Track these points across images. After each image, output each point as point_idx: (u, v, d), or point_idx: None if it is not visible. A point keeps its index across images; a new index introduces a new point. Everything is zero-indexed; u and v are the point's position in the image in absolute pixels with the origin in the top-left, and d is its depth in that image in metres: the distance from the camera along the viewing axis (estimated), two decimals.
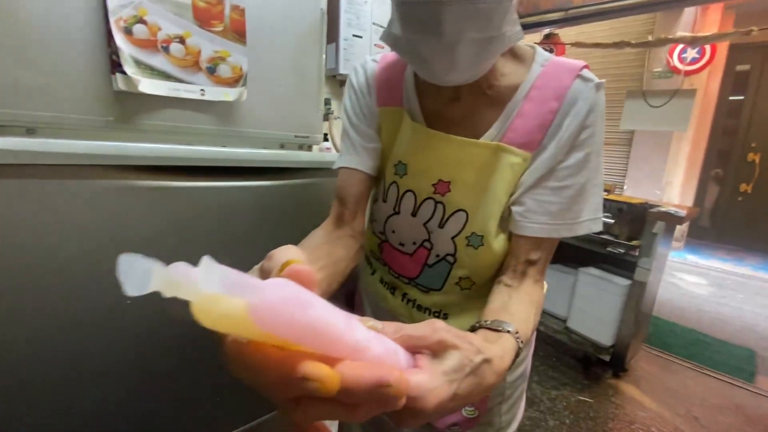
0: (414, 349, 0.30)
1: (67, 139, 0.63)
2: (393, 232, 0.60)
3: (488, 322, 0.41)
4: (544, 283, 0.57)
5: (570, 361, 2.12)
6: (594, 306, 1.98)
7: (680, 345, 2.35)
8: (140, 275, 0.19)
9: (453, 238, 0.54)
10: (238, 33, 0.75)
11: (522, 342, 0.40)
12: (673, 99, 2.30)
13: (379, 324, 0.29)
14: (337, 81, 1.74)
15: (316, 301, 0.22)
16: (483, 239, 0.52)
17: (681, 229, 4.48)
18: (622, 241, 1.85)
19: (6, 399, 0.47)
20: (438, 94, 0.53)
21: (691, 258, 4.23)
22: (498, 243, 0.52)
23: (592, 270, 1.99)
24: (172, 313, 0.20)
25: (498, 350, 0.35)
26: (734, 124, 4.59)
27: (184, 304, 0.19)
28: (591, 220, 0.50)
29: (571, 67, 0.49)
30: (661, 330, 2.54)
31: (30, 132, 0.62)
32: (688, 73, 3.67)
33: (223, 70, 0.74)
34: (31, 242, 0.46)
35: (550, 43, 2.86)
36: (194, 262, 0.20)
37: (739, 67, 4.48)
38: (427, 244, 0.57)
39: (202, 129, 0.76)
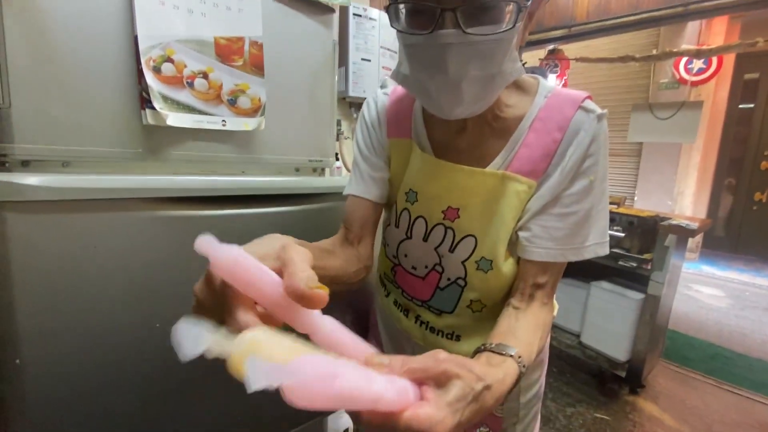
0: (419, 381, 0.31)
1: (99, 171, 0.68)
2: (405, 256, 0.62)
3: (493, 345, 0.42)
4: (555, 303, 0.59)
5: (585, 377, 2.08)
6: (607, 320, 1.95)
7: (699, 359, 2.30)
8: (193, 340, 0.24)
9: (463, 262, 0.56)
10: (256, 66, 0.80)
11: (524, 366, 0.41)
12: (680, 111, 2.30)
13: (386, 359, 0.31)
14: (346, 103, 1.80)
15: (341, 368, 0.25)
16: (492, 263, 0.54)
17: (695, 240, 4.40)
18: (634, 255, 1.84)
19: (45, 409, 0.50)
20: (446, 125, 0.56)
21: (707, 269, 4.14)
22: (507, 267, 0.54)
23: (604, 284, 1.98)
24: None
25: (499, 374, 0.37)
26: (745, 132, 4.54)
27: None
28: (597, 244, 0.52)
29: (574, 99, 0.51)
30: (679, 344, 2.49)
31: (65, 165, 0.67)
32: (695, 84, 3.68)
33: (243, 102, 0.79)
34: (71, 270, 0.50)
35: (555, 58, 2.90)
36: None
37: (748, 76, 4.46)
38: (438, 267, 0.59)
39: (223, 157, 0.80)
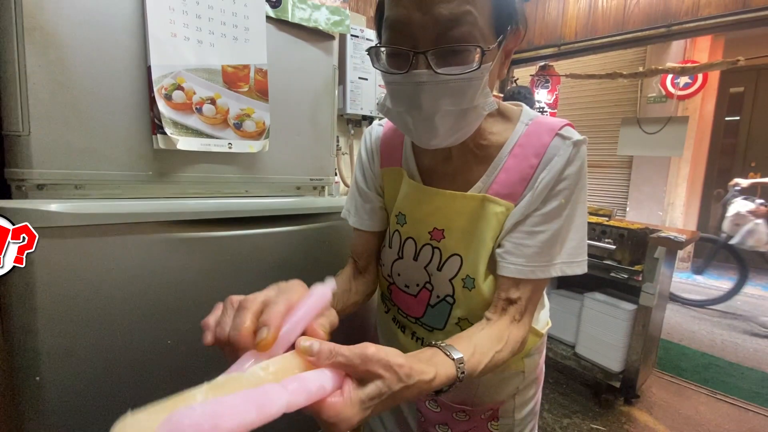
0: (345, 372, 0.35)
1: (109, 193, 0.71)
2: (398, 275, 0.66)
3: (442, 344, 0.45)
4: (544, 320, 0.62)
5: (580, 387, 2.11)
6: (601, 331, 1.99)
7: (693, 369, 2.33)
8: None
9: (450, 280, 0.59)
10: (261, 92, 0.84)
11: (464, 372, 0.43)
12: (666, 125, 2.38)
13: (316, 345, 0.35)
14: (344, 120, 1.85)
15: (220, 418, 0.26)
16: (474, 281, 0.57)
17: (687, 249, 4.47)
18: (625, 267, 1.88)
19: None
20: (433, 154, 0.61)
21: (700, 279, 4.20)
22: (487, 285, 0.56)
23: (598, 295, 2.01)
24: None
25: (429, 373, 0.39)
26: (732, 144, 4.67)
27: None
28: (565, 263, 0.54)
29: (552, 126, 0.55)
30: (672, 354, 2.52)
31: (77, 187, 0.70)
32: (681, 98, 3.79)
33: (248, 125, 0.82)
34: (90, 291, 0.52)
35: (546, 74, 2.99)
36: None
37: (733, 89, 4.61)
38: (428, 285, 0.62)
39: (229, 178, 0.84)
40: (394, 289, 0.68)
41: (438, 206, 0.59)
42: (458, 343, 0.46)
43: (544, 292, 0.66)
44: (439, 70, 0.45)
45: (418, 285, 0.63)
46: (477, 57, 0.45)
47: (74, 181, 0.68)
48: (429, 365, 0.41)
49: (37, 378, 0.49)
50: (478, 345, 0.48)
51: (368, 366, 0.35)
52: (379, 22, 0.52)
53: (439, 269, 0.60)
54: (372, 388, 0.35)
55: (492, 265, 0.57)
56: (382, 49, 0.49)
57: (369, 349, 0.36)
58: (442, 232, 0.59)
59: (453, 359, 0.43)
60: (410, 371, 0.37)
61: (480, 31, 0.44)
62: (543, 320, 0.68)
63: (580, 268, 0.55)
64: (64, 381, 0.50)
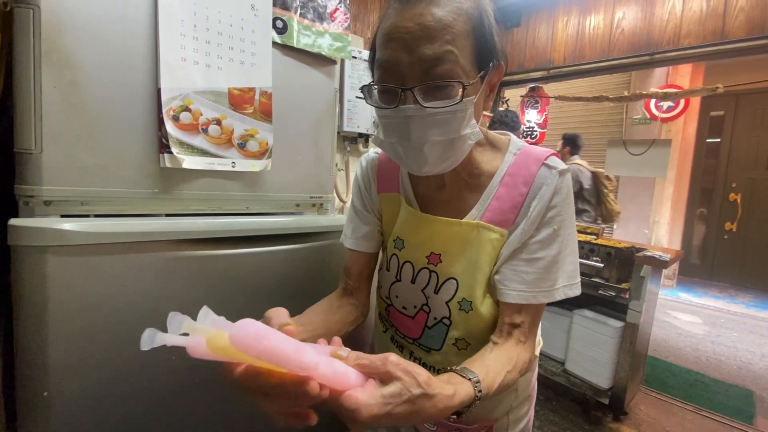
0: (368, 375, 0.39)
1: (114, 209, 0.73)
2: (396, 297, 0.69)
3: (457, 368, 0.48)
4: (539, 339, 0.64)
5: (570, 404, 2.12)
6: (590, 348, 2.02)
7: (679, 386, 2.37)
8: (177, 324, 0.33)
9: (447, 302, 0.61)
10: (265, 113, 0.87)
11: (481, 391, 0.45)
12: (651, 147, 2.48)
13: (344, 352, 0.40)
14: (341, 137, 1.89)
15: (272, 335, 0.33)
16: (471, 304, 0.59)
17: (672, 267, 4.58)
18: (613, 284, 1.93)
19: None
20: (428, 182, 0.64)
21: (684, 296, 4.29)
22: (485, 308, 0.59)
23: (586, 312, 2.05)
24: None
25: (449, 390, 0.42)
26: (713, 165, 4.84)
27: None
28: (566, 286, 0.57)
29: (538, 156, 0.59)
30: (659, 371, 2.56)
31: (83, 203, 0.71)
32: (665, 120, 3.94)
33: (252, 145, 0.85)
34: (100, 308, 0.54)
35: (536, 95, 3.09)
36: (229, 318, 0.36)
37: (713, 113, 4.80)
38: (425, 308, 0.65)
39: (231, 195, 0.86)
40: (392, 310, 0.70)
41: (435, 232, 0.62)
42: (471, 366, 0.49)
43: None
44: (425, 104, 0.49)
45: (415, 307, 0.66)
46: (459, 91, 0.48)
47: (81, 198, 0.70)
48: (448, 384, 0.43)
49: (45, 393, 0.50)
50: (490, 366, 0.50)
51: (389, 367, 0.38)
52: (371, 62, 0.57)
53: (436, 292, 0.62)
54: (392, 387, 0.38)
55: (489, 288, 0.59)
56: (374, 86, 0.53)
57: (391, 356, 0.39)
58: (439, 256, 0.62)
59: (469, 379, 0.46)
60: (429, 380, 0.40)
61: (462, 68, 0.48)
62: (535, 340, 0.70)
63: (578, 289, 0.59)
64: (71, 397, 0.51)
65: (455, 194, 0.62)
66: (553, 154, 0.59)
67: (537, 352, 0.69)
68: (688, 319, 3.60)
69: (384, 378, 0.39)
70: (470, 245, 0.59)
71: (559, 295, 0.56)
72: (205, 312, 0.34)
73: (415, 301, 0.65)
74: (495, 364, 0.51)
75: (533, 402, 0.74)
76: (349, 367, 0.38)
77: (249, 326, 0.32)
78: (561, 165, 0.58)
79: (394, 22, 0.49)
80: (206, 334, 0.33)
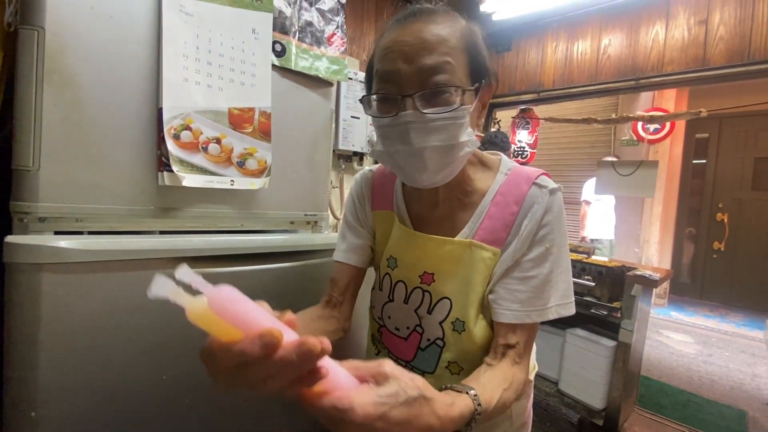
0: (362, 377, 0.36)
1: (109, 226, 0.73)
2: (389, 317, 0.68)
3: (452, 385, 0.46)
4: (534, 364, 0.64)
5: (565, 425, 2.10)
6: (583, 368, 2.01)
7: (672, 406, 2.36)
8: (161, 287, 0.31)
9: (441, 323, 0.61)
10: (264, 133, 0.88)
11: (480, 405, 0.44)
12: (639, 168, 2.54)
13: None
14: (336, 156, 1.92)
15: (248, 303, 0.33)
16: (464, 324, 0.59)
17: (663, 286, 4.61)
18: (605, 303, 1.94)
19: None
20: (421, 200, 0.65)
21: (676, 315, 4.31)
22: (478, 329, 0.58)
23: (579, 331, 2.06)
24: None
25: (447, 399, 0.40)
26: (700, 185, 4.95)
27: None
28: (559, 305, 0.57)
29: (529, 176, 0.59)
30: (652, 391, 2.55)
31: (78, 220, 0.71)
32: (651, 141, 4.04)
33: (251, 164, 0.86)
34: (93, 327, 0.54)
35: (526, 116, 3.17)
36: None
37: (699, 135, 4.95)
38: (419, 328, 0.64)
39: (227, 213, 0.86)
40: (385, 331, 0.69)
41: (428, 251, 0.62)
42: (467, 383, 0.48)
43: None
44: (424, 111, 0.50)
45: (408, 328, 0.65)
46: (458, 99, 0.50)
47: (76, 215, 0.70)
48: (446, 395, 0.42)
49: (33, 414, 0.49)
50: (485, 384, 0.49)
51: (385, 368, 0.36)
52: (368, 76, 0.59)
53: (429, 312, 0.62)
54: (388, 386, 0.35)
55: (483, 309, 0.59)
56: (373, 96, 0.55)
57: (387, 362, 0.37)
58: (432, 275, 0.62)
59: (467, 392, 0.45)
60: (426, 386, 0.38)
61: (458, 78, 0.51)
62: (530, 364, 0.68)
63: (572, 308, 0.59)
64: (59, 418, 0.50)
65: (448, 212, 0.62)
66: (543, 174, 0.60)
67: (531, 377, 0.69)
68: (680, 338, 3.62)
69: (379, 379, 0.36)
70: (463, 264, 0.59)
71: (552, 314, 0.56)
72: (185, 270, 0.32)
73: (408, 322, 0.65)
74: (490, 382, 0.51)
75: (528, 430, 0.73)
76: (338, 365, 0.35)
77: (226, 291, 0.32)
78: (551, 184, 0.58)
79: (393, 38, 0.51)
80: (188, 301, 0.32)
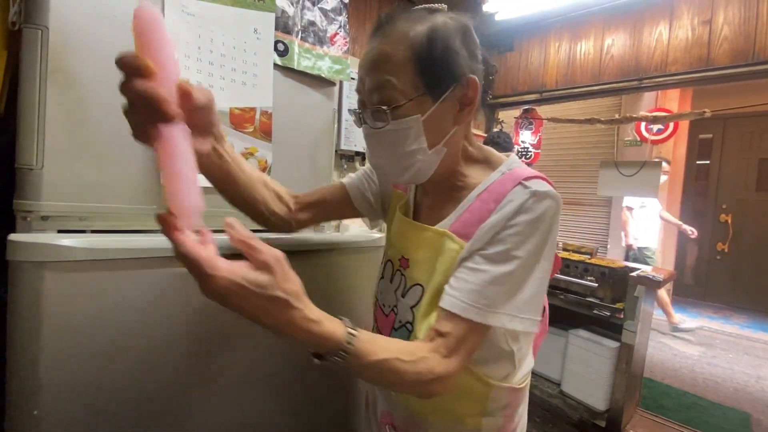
0: (247, 255, 0.40)
1: (113, 224, 0.73)
2: (380, 293, 0.71)
3: (342, 317, 0.48)
4: (518, 378, 0.59)
5: (567, 427, 2.09)
6: (586, 369, 2.00)
7: (676, 408, 2.35)
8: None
9: (412, 308, 0.61)
10: (265, 132, 0.88)
11: (351, 343, 0.44)
12: (642, 169, 2.53)
13: (237, 224, 0.42)
14: (338, 155, 1.92)
15: (163, 36, 0.37)
16: (430, 314, 0.57)
17: (666, 287, 4.59)
18: (607, 304, 1.93)
19: None
20: (421, 189, 0.69)
21: (679, 316, 4.28)
22: (430, 318, 0.56)
23: (582, 332, 2.05)
24: None
25: (313, 316, 0.43)
26: (703, 186, 4.93)
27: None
28: (511, 316, 0.51)
29: (518, 176, 0.56)
30: (655, 393, 2.54)
31: (81, 219, 0.71)
32: (655, 142, 4.02)
33: (251, 163, 0.86)
34: (95, 326, 0.54)
35: (529, 116, 3.16)
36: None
37: (702, 136, 4.92)
38: (395, 309, 0.65)
39: (230, 212, 0.86)
40: (377, 306, 0.72)
41: (408, 236, 0.64)
42: (365, 332, 0.48)
43: (530, 349, 0.65)
44: (374, 125, 0.56)
45: (389, 306, 0.67)
46: (402, 112, 0.53)
47: (80, 214, 0.70)
48: (319, 312, 0.44)
49: (35, 412, 0.49)
50: (380, 339, 0.49)
51: (267, 258, 0.40)
52: None
53: (404, 296, 0.63)
54: (261, 276, 0.39)
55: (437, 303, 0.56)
56: (353, 109, 0.61)
57: (282, 255, 0.41)
58: (408, 261, 0.64)
59: (344, 324, 0.46)
60: (298, 295, 0.41)
61: (401, 93, 0.53)
62: (514, 378, 0.62)
63: (525, 325, 0.52)
64: (62, 417, 0.50)
65: (436, 202, 0.64)
66: (538, 177, 0.56)
67: (520, 386, 0.63)
68: (684, 339, 3.59)
69: (258, 266, 0.39)
70: (434, 253, 0.59)
71: (497, 321, 0.51)
72: None
73: (390, 301, 0.67)
74: (388, 342, 0.50)
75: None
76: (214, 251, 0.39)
77: (149, 14, 0.35)
78: (541, 188, 0.53)
79: (363, 53, 0.57)
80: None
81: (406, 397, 0.64)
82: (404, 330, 0.63)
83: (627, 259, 3.68)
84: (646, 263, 3.46)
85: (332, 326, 0.45)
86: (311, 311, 0.43)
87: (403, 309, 0.63)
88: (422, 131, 0.55)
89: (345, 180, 0.78)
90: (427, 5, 0.56)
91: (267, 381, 0.72)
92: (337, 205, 0.77)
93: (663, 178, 3.48)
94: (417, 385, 0.49)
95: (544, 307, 0.66)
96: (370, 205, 0.77)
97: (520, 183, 0.55)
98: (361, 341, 0.45)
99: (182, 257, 0.38)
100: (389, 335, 0.66)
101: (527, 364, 0.65)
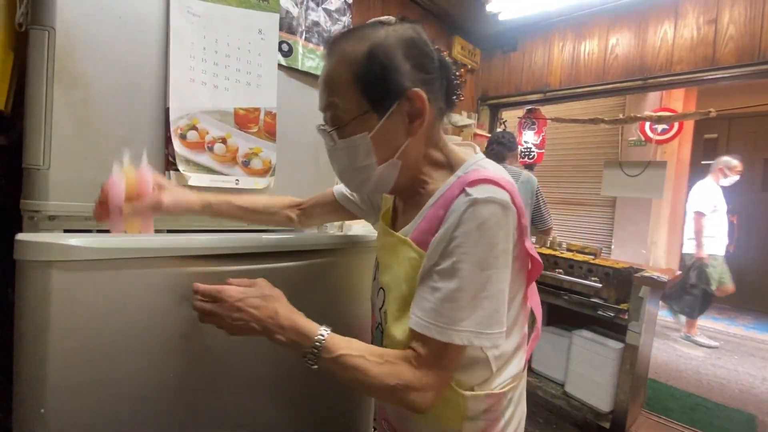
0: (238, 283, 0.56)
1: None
2: (372, 294, 0.72)
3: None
4: (433, 378, 0.53)
5: (570, 428, 2.08)
6: (590, 369, 1.99)
7: (680, 410, 2.33)
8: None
9: (380, 309, 0.63)
10: (269, 133, 0.89)
11: (324, 337, 0.52)
12: (647, 169, 2.52)
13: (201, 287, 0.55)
14: None
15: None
16: (386, 317, 0.60)
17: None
18: (612, 305, 1.92)
19: None
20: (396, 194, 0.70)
21: (683, 318, 4.26)
22: (397, 328, 0.57)
23: (585, 333, 2.04)
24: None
25: (295, 313, 0.55)
26: None
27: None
28: (473, 333, 0.49)
29: (466, 180, 0.53)
30: (660, 394, 2.52)
31: (87, 219, 0.72)
32: (659, 142, 4.00)
33: (256, 163, 0.87)
34: (102, 325, 0.54)
35: (533, 116, 3.15)
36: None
37: (707, 136, 4.89)
38: (375, 311, 0.67)
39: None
40: (372, 305, 0.72)
41: (381, 240, 0.67)
42: (338, 335, 0.54)
43: (518, 353, 0.62)
44: (328, 143, 0.59)
45: (375, 308, 0.68)
46: (348, 130, 0.55)
47: (86, 213, 0.71)
48: (296, 312, 0.55)
49: (42, 411, 0.49)
50: (354, 342, 0.54)
51: (256, 281, 0.56)
52: None
53: (377, 297, 0.66)
54: (250, 288, 0.54)
55: (407, 309, 0.56)
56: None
57: (260, 280, 0.58)
58: (378, 265, 0.66)
59: (319, 325, 0.54)
60: (282, 295, 0.57)
61: (346, 113, 0.55)
62: (501, 380, 0.60)
63: (492, 341, 0.51)
64: (69, 415, 0.51)
65: (407, 208, 0.64)
66: (485, 180, 0.52)
67: (505, 390, 0.60)
68: (688, 341, 3.57)
69: (247, 284, 0.55)
70: (396, 259, 0.60)
71: (463, 340, 0.49)
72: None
73: (375, 303, 0.69)
74: (359, 344, 0.54)
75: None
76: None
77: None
78: (480, 194, 0.50)
79: None
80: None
81: None
82: (378, 331, 0.65)
83: (688, 274, 3.35)
84: (709, 279, 3.20)
85: (308, 324, 0.54)
86: (293, 309, 0.54)
87: (378, 311, 0.65)
88: (371, 147, 0.55)
89: (335, 187, 0.81)
90: (378, 18, 0.57)
91: (274, 383, 0.72)
92: (330, 209, 0.81)
93: (734, 178, 3.35)
94: (385, 389, 0.51)
95: (533, 313, 0.64)
96: (358, 207, 0.79)
97: (464, 189, 0.52)
98: (333, 337, 0.53)
99: (201, 312, 0.54)
100: (372, 336, 0.69)
101: (512, 367, 0.62)
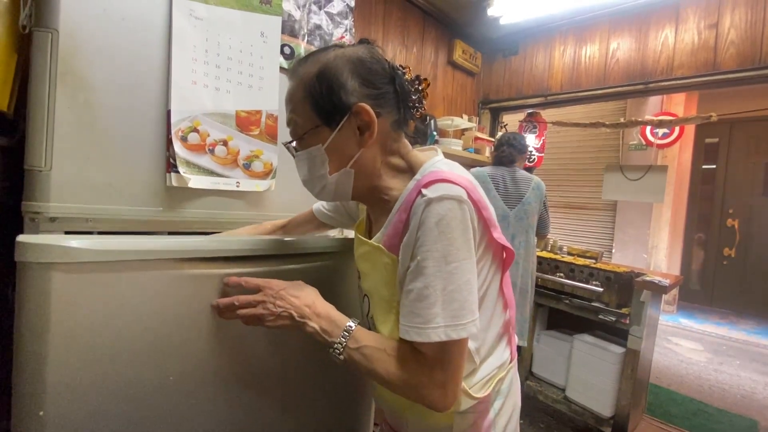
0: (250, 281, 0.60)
1: (119, 226, 0.73)
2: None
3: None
4: (439, 379, 0.54)
5: None
6: (591, 374, 1.98)
7: (682, 415, 2.32)
8: None
9: (367, 315, 0.67)
10: (270, 135, 0.89)
11: (352, 326, 0.56)
12: (648, 173, 2.51)
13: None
14: None
15: None
16: (374, 322, 0.64)
17: (672, 293, 4.55)
18: (613, 309, 1.92)
19: None
20: None
21: (685, 322, 4.25)
22: (385, 330, 0.61)
23: (587, 337, 2.03)
24: None
25: (329, 305, 0.59)
26: (710, 190, 4.88)
27: None
28: (449, 327, 0.51)
29: (422, 183, 0.55)
30: (661, 399, 2.51)
31: (88, 221, 0.72)
32: (660, 146, 4.00)
33: (257, 166, 0.87)
34: (102, 327, 0.54)
35: (533, 120, 3.15)
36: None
37: (708, 140, 4.88)
38: (363, 317, 0.70)
39: (234, 215, 0.87)
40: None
41: (358, 248, 0.68)
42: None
43: (502, 340, 0.65)
44: (293, 154, 0.63)
45: (363, 314, 0.71)
46: (307, 143, 0.59)
47: (87, 215, 0.71)
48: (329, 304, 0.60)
49: (41, 413, 0.49)
50: (378, 336, 0.58)
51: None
52: None
53: (363, 304, 0.68)
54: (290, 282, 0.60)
55: (391, 311, 0.60)
56: None
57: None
58: (359, 273, 0.69)
59: (349, 318, 0.58)
60: (316, 291, 0.61)
61: (302, 128, 0.59)
62: (487, 370, 0.63)
63: (468, 330, 0.52)
64: (67, 417, 0.50)
65: (377, 216, 0.66)
66: (439, 181, 0.54)
67: (489, 392, 0.63)
68: (690, 346, 3.55)
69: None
70: (373, 266, 0.63)
71: (440, 336, 0.51)
72: None
73: (363, 309, 0.71)
74: (384, 339, 0.57)
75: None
76: None
77: None
78: (433, 193, 0.52)
79: None
80: None
81: (389, 393, 0.65)
82: None
83: None
84: None
85: (342, 315, 0.58)
86: (327, 302, 0.59)
87: (364, 317, 0.68)
88: (326, 157, 0.59)
89: (314, 205, 0.85)
90: (335, 42, 0.62)
91: (276, 385, 0.72)
92: (312, 226, 0.86)
93: None
94: (402, 385, 0.54)
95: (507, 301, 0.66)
96: (336, 219, 0.83)
97: (420, 191, 0.54)
98: (359, 329, 0.56)
99: (245, 301, 0.58)
100: None
101: (496, 357, 0.64)
